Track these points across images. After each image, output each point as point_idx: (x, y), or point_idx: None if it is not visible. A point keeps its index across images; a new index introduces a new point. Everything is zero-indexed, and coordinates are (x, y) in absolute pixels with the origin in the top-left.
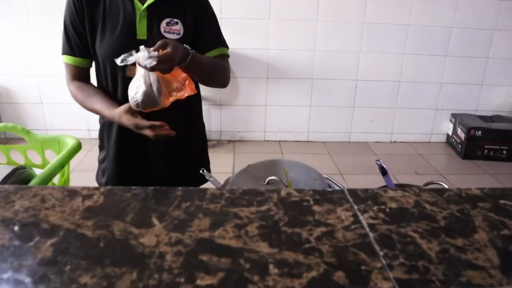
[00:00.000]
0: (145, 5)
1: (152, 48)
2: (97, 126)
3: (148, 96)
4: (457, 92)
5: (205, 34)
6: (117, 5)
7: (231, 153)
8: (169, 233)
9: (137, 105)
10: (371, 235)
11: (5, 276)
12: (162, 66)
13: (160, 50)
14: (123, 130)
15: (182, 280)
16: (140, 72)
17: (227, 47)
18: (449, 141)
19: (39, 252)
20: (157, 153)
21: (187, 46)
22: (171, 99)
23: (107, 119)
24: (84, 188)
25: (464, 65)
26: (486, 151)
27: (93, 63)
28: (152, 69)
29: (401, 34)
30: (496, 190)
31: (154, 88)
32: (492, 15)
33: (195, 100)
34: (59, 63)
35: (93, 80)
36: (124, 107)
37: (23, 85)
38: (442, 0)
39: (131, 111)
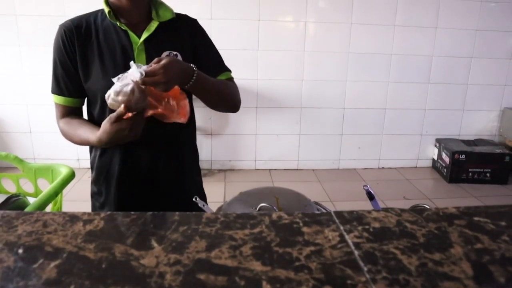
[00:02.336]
0: (142, 38)
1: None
2: (86, 155)
3: (131, 93)
4: (440, 118)
5: (206, 62)
6: (111, 40)
7: (222, 182)
8: (168, 254)
9: (116, 93)
10: (356, 252)
11: None
12: (153, 79)
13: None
14: (124, 175)
15: None
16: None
17: (230, 71)
18: (435, 165)
19: (44, 273)
20: (163, 190)
21: (192, 65)
22: (155, 111)
23: (102, 161)
24: (84, 213)
25: (445, 91)
26: (470, 174)
27: (85, 101)
28: (143, 82)
29: (384, 63)
30: (470, 208)
31: (136, 93)
32: (469, 44)
33: (194, 132)
34: (49, 93)
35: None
36: (106, 119)
37: (12, 114)
38: (421, 30)
39: (113, 119)
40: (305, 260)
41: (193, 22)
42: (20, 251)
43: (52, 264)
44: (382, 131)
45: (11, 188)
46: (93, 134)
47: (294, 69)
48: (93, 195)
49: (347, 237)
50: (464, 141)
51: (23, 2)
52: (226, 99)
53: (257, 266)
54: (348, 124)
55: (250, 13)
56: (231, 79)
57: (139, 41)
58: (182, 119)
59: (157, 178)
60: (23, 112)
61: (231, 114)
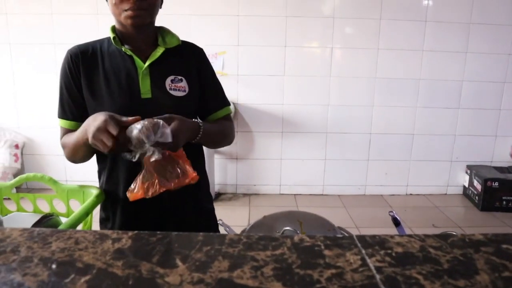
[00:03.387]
0: (147, 63)
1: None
2: None
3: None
4: (471, 144)
5: (211, 94)
6: (116, 64)
7: (247, 206)
8: (191, 273)
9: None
10: (378, 276)
11: None
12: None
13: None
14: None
15: None
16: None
17: (230, 105)
18: (466, 193)
19: (75, 287)
20: (170, 215)
21: (196, 120)
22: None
23: (109, 186)
24: (113, 232)
25: (477, 117)
26: (504, 202)
27: None
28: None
29: (412, 88)
30: (498, 235)
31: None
32: (501, 69)
33: (202, 158)
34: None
35: None
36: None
37: (47, 137)
38: (451, 55)
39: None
40: (326, 282)
41: (200, 51)
42: (54, 266)
43: (83, 279)
44: (410, 156)
45: (45, 208)
46: (81, 127)
47: (320, 94)
48: (102, 221)
49: (368, 261)
50: (497, 168)
51: (61, 32)
52: (223, 142)
53: (278, 287)
54: (375, 149)
55: (277, 39)
56: (229, 114)
57: (143, 65)
58: (194, 179)
59: (163, 203)
60: (57, 135)
61: (256, 138)
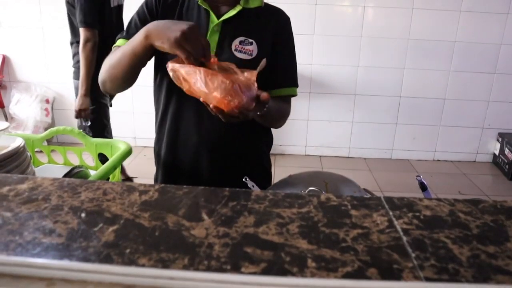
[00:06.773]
0: (221, 19)
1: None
2: (143, 134)
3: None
4: (505, 111)
5: (282, 66)
6: (191, 16)
7: (272, 166)
8: (217, 227)
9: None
10: (404, 238)
11: (75, 253)
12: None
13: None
14: (168, 167)
15: (229, 267)
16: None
17: (297, 87)
18: (496, 161)
19: (103, 236)
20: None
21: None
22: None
23: (158, 145)
24: (140, 184)
25: None
26: None
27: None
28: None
29: (446, 51)
30: None
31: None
32: None
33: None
34: None
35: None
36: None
37: None
38: (490, 16)
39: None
40: (351, 242)
41: (285, 19)
42: (83, 215)
43: (111, 229)
44: (439, 122)
45: (75, 161)
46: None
47: (350, 55)
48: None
49: (396, 222)
50: None
51: None
52: (276, 124)
53: (303, 244)
54: (404, 113)
55: None
56: (292, 96)
57: (216, 21)
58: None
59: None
60: None
61: None
